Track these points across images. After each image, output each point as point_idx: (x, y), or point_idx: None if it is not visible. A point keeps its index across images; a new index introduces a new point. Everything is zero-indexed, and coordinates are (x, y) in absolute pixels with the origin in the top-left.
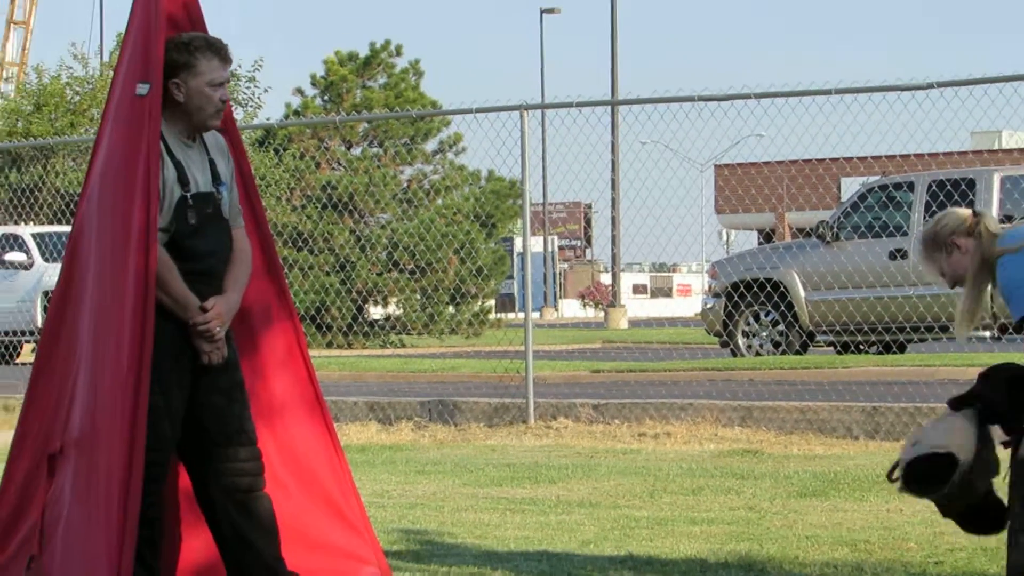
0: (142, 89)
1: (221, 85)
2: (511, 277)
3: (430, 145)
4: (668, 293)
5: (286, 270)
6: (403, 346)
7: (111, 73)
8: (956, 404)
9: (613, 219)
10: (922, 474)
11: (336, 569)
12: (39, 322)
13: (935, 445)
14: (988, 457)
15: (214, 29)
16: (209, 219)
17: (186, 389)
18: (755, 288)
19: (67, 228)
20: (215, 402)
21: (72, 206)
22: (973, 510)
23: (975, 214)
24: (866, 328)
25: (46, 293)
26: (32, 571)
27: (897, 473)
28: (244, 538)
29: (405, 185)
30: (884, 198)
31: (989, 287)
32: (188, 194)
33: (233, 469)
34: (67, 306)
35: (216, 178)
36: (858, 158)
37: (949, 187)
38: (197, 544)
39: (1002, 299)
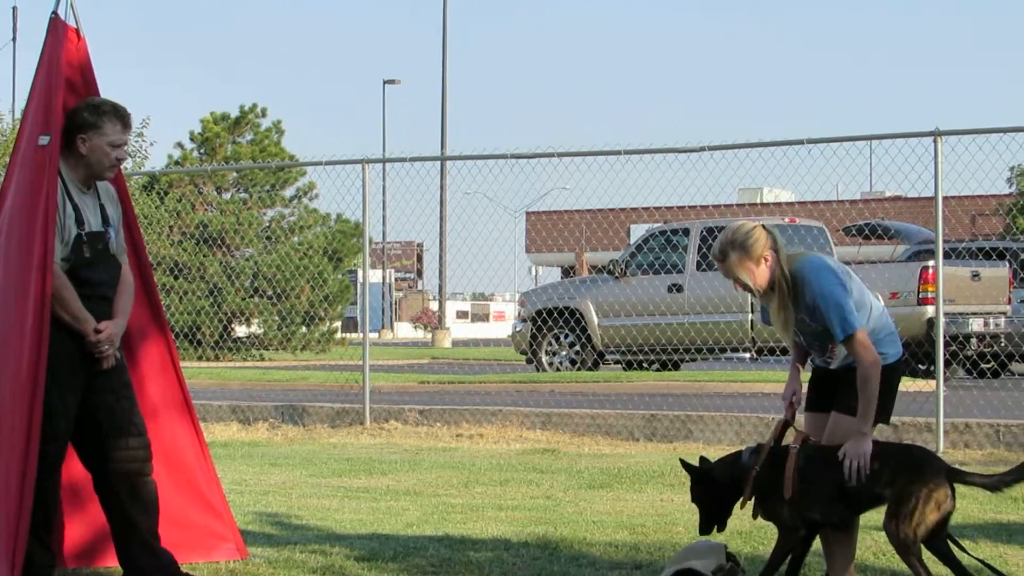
0: (43, 140)
1: (119, 146)
2: (354, 303)
3: (288, 192)
4: (485, 318)
5: (165, 295)
6: (263, 359)
7: None
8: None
9: (441, 256)
10: None
11: (200, 544)
12: None
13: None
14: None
15: (105, 92)
16: (100, 254)
17: (80, 393)
18: (556, 315)
19: None
20: (106, 400)
21: None
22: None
23: (767, 231)
24: (647, 349)
25: None
26: None
27: None
28: (129, 517)
29: (267, 225)
30: (664, 241)
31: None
32: (83, 232)
33: (125, 456)
34: None
35: (105, 220)
36: (643, 208)
37: (718, 233)
38: (81, 526)
39: (807, 310)
